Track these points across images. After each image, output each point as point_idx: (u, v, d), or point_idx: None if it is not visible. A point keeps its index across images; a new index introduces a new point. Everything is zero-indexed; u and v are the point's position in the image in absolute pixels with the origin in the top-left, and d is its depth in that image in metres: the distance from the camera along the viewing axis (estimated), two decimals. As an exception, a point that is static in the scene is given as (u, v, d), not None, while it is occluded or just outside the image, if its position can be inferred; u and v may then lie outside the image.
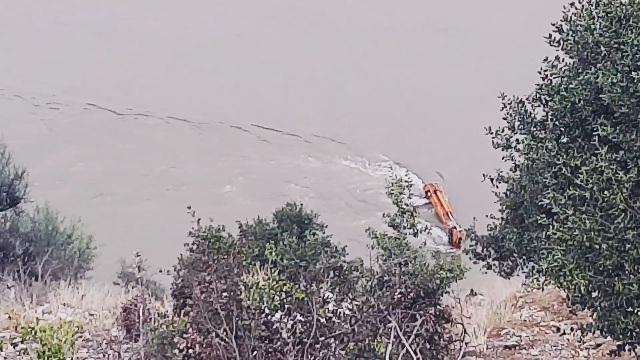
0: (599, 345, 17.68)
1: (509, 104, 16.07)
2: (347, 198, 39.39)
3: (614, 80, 13.81)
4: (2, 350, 18.56)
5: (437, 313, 17.85)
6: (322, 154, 45.69)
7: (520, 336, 20.78)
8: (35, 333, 18.96)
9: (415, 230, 21.99)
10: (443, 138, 40.12)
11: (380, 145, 43.55)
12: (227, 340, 15.30)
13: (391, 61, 56.61)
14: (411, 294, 17.80)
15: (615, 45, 14.19)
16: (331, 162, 45.33)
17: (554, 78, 15.01)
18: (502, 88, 16.63)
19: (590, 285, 13.99)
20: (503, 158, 16.78)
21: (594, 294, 14.11)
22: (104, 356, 17.78)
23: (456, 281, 20.73)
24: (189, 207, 19.10)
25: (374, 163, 43.11)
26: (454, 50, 59.83)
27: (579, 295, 14.32)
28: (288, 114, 52.00)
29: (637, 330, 13.98)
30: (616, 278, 13.65)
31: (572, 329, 18.72)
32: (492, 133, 16.33)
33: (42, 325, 19.43)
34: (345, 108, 48.96)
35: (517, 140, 16.07)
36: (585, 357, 19.02)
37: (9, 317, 20.29)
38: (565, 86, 14.75)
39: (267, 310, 15.81)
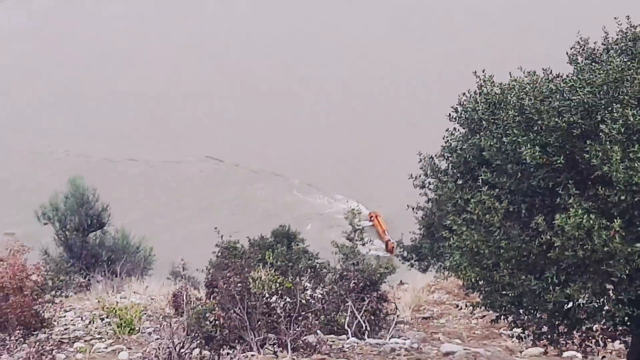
0: (484, 316, 17.98)
1: (423, 159, 16.27)
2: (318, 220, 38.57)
3: (491, 143, 14.31)
4: (93, 323, 19.43)
5: (378, 296, 18.61)
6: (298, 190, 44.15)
7: (432, 311, 21.30)
8: (116, 311, 19.43)
9: (363, 242, 22.81)
10: (384, 178, 39.28)
11: (340, 185, 42.49)
12: (240, 315, 15.71)
13: (346, 114, 52.48)
14: (361, 284, 18.25)
15: (492, 120, 14.71)
16: (304, 197, 44.05)
17: (452, 142, 15.36)
18: (426, 141, 17.15)
19: (478, 277, 14.43)
20: (420, 194, 17.00)
21: (480, 283, 14.27)
22: (160, 326, 18.00)
23: (390, 275, 21.25)
24: (216, 228, 19.65)
25: (334, 198, 42.26)
26: (389, 111, 55.49)
27: (471, 283, 14.75)
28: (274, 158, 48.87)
29: (509, 306, 14.49)
30: (494, 272, 14.16)
31: (466, 306, 18.94)
32: (412, 178, 16.65)
33: (120, 306, 19.91)
34: (316, 155, 45.66)
35: (429, 182, 16.31)
36: (475, 324, 19.62)
37: (98, 301, 20.57)
38: (460, 147, 15.22)
39: (267, 295, 16.12)
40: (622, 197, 13.00)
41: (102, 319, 19.52)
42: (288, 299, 16.28)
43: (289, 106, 50.29)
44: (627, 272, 13.13)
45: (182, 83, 52.36)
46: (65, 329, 19.04)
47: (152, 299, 21.85)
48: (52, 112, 48.88)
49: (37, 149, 44.80)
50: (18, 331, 17.13)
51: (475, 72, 15.39)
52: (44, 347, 16.18)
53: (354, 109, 48.83)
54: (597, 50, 14.59)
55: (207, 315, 15.86)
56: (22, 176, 40.76)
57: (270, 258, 18.70)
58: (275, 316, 15.88)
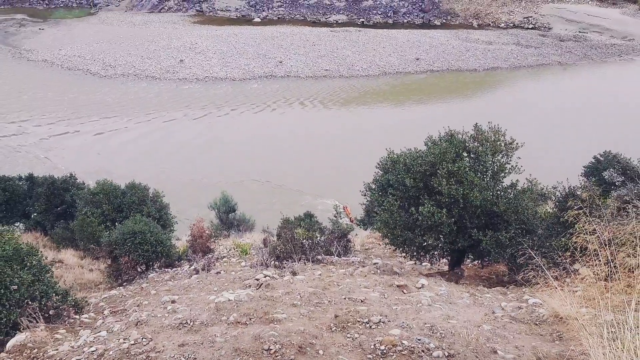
0: (390, 248, 17.71)
1: (365, 183, 16.03)
2: (320, 210, 37.08)
3: (393, 178, 14.44)
4: (230, 250, 18.79)
5: (347, 240, 17.92)
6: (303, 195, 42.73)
7: (369, 246, 20.57)
8: (240, 245, 19.37)
9: (341, 218, 22.55)
10: (350, 191, 37.87)
11: (330, 193, 41.65)
12: (291, 247, 15.52)
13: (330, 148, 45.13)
14: (340, 235, 18.04)
15: (393, 167, 14.76)
16: (308, 199, 42.32)
17: (376, 176, 15.20)
18: (367, 175, 16.45)
19: (387, 232, 14.30)
20: (364, 197, 16.52)
21: (388, 235, 14.06)
22: (258, 251, 17.84)
23: (352, 230, 21.01)
24: (281, 212, 19.62)
25: (325, 198, 41.05)
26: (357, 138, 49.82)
27: (384, 235, 14.51)
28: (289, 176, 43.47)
29: (400, 244, 14.29)
30: (394, 230, 14.11)
31: (383, 244, 18.89)
32: (361, 191, 16.26)
33: (241, 243, 19.81)
34: (316, 176, 43.57)
35: (367, 193, 16.03)
36: (386, 251, 18.76)
37: (233, 242, 20.37)
38: (380, 179, 15.24)
39: (301, 239, 16.12)
40: (446, 200, 13.15)
41: (234, 249, 19.31)
42: (310, 241, 16.18)
43: (302, 155, 47.78)
44: (448, 231, 13.26)
45: (256, 148, 49.85)
46: (219, 253, 19.04)
47: (255, 240, 21.10)
48: (200, 162, 47.19)
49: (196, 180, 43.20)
50: (200, 253, 17.26)
51: (386, 148, 15.46)
52: (210, 259, 16.30)
53: (338, 157, 47.01)
54: (437, 139, 14.61)
55: (277, 247, 15.81)
56: (193, 194, 39.10)
57: (302, 224, 18.79)
58: (304, 248, 15.59)
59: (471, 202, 13.11)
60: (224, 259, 17.67)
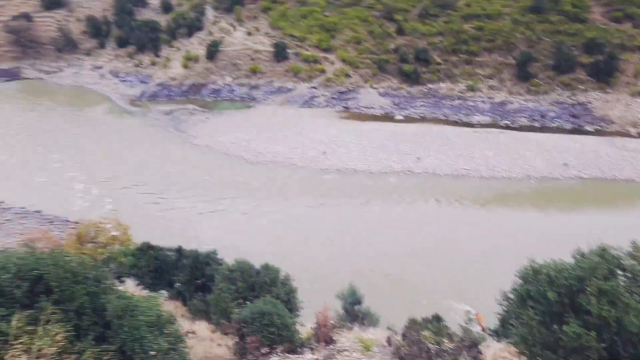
0: None
1: (502, 292, 15.17)
2: (449, 313, 34.31)
3: (533, 289, 13.34)
4: (352, 344, 17.83)
5: (478, 350, 16.74)
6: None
7: None
8: (363, 341, 18.61)
9: (472, 326, 20.90)
10: (485, 294, 34.26)
11: (459, 295, 38.72)
12: (417, 350, 14.78)
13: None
14: (470, 344, 16.65)
15: (534, 278, 13.70)
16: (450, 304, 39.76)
17: (516, 286, 14.28)
18: (506, 283, 15.49)
19: (524, 348, 13.24)
20: (501, 307, 15.60)
21: (525, 352, 13.12)
22: (381, 349, 17.09)
23: (484, 341, 19.31)
24: (409, 311, 18.67)
25: (455, 302, 38.04)
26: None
27: (521, 352, 13.42)
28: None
29: None
30: (532, 348, 12.92)
31: None
32: (499, 300, 15.24)
33: (366, 338, 18.75)
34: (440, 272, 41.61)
35: (504, 302, 15.07)
36: None
37: (356, 336, 19.13)
38: (518, 289, 14.08)
39: (428, 343, 15.17)
40: (596, 321, 11.90)
41: (357, 343, 18.36)
42: (437, 346, 15.33)
43: (434, 253, 45.26)
44: (597, 357, 11.89)
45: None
46: (341, 345, 18.41)
47: (378, 337, 19.53)
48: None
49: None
50: (322, 342, 16.98)
51: (527, 257, 14.49)
52: (332, 351, 16.03)
53: (472, 259, 44.29)
54: (585, 252, 13.48)
55: (401, 347, 15.09)
56: (321, 281, 38.00)
57: (430, 326, 17.76)
58: (430, 353, 14.90)
59: (626, 327, 11.63)
60: (345, 352, 17.18)
